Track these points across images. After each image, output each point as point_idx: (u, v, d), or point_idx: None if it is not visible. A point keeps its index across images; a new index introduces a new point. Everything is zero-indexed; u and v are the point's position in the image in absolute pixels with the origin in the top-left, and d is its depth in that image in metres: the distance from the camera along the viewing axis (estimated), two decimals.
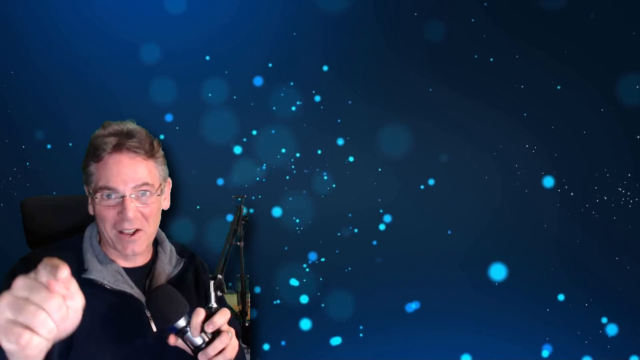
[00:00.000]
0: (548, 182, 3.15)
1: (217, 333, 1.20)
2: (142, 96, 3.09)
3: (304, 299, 3.17)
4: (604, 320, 3.13)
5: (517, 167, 3.15)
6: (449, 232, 3.16)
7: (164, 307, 1.20)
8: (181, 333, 1.19)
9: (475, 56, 3.14)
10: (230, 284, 2.91)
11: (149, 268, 1.45)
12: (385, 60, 3.15)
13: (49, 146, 3.09)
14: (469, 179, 3.16)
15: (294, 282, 3.17)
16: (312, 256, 3.17)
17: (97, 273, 1.36)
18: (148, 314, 1.35)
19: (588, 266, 3.13)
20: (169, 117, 3.11)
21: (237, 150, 3.15)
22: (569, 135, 3.14)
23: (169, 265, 1.46)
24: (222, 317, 1.21)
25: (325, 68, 3.16)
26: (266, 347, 3.16)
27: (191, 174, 3.13)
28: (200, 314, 1.19)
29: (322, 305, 3.18)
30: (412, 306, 3.17)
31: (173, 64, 3.11)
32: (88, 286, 1.33)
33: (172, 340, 1.21)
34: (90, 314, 1.28)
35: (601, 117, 3.12)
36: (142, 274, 1.44)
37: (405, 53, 3.15)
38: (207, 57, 3.13)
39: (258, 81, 3.15)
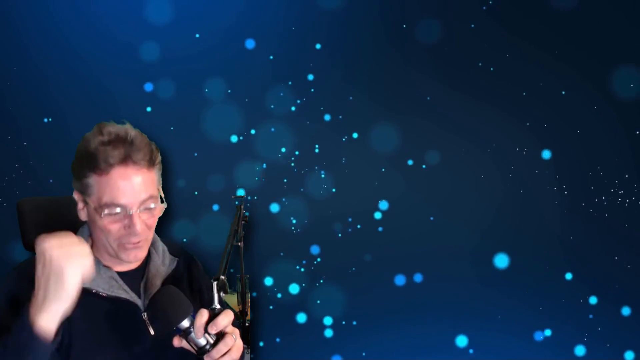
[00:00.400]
0: (545, 181, 3.17)
1: (221, 334, 1.20)
2: (142, 95, 3.10)
3: (300, 297, 3.17)
4: (601, 312, 3.15)
5: (513, 168, 3.17)
6: (431, 218, 3.18)
7: (167, 308, 1.20)
8: (185, 334, 1.19)
9: (473, 55, 3.15)
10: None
11: (143, 270, 1.43)
12: (388, 58, 3.16)
13: (50, 144, 3.07)
14: (466, 176, 3.18)
15: (290, 281, 3.18)
16: (311, 255, 3.18)
17: (91, 281, 1.31)
18: (145, 317, 1.34)
19: (589, 262, 3.16)
20: (164, 116, 3.12)
21: (235, 148, 3.15)
22: (566, 130, 3.16)
23: (162, 266, 1.44)
24: (226, 318, 1.20)
25: (324, 65, 3.16)
26: (261, 344, 3.17)
27: (188, 173, 3.13)
28: (203, 315, 1.19)
29: (318, 301, 3.19)
30: (403, 279, 3.18)
31: (171, 62, 3.11)
32: (82, 295, 1.29)
33: (177, 342, 1.21)
34: (86, 322, 1.29)
35: (597, 112, 3.13)
36: (136, 277, 1.41)
37: (409, 52, 3.16)
38: (197, 35, 3.11)
39: (257, 79, 3.14)
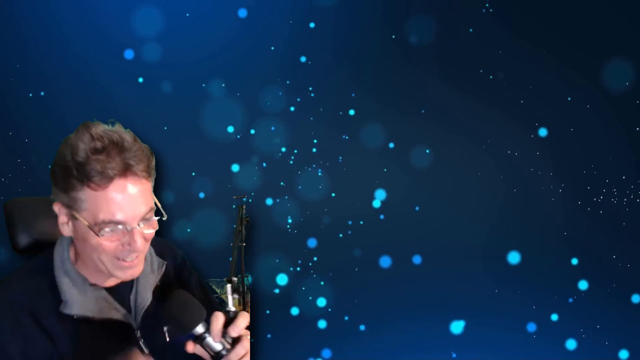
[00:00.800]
0: (541, 178, 3.20)
1: (236, 337, 1.18)
2: (140, 93, 3.08)
3: (293, 294, 3.19)
4: (598, 309, 3.18)
5: (508, 166, 3.20)
6: (417, 208, 3.19)
7: (180, 314, 1.16)
8: (200, 339, 1.16)
9: (471, 55, 3.17)
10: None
11: (131, 282, 1.31)
12: (389, 57, 3.17)
13: (51, 141, 3.04)
14: (462, 173, 3.20)
15: (283, 278, 3.19)
16: (307, 254, 3.19)
17: (79, 306, 1.20)
18: (138, 335, 1.28)
19: (588, 257, 3.19)
20: (160, 113, 3.11)
21: (234, 147, 3.14)
22: (562, 128, 3.19)
23: (151, 273, 1.35)
24: (245, 321, 1.18)
25: (324, 62, 3.17)
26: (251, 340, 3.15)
27: (185, 171, 3.12)
28: (220, 319, 1.16)
29: (310, 297, 3.20)
30: (399, 277, 3.20)
31: (171, 61, 3.09)
32: (69, 321, 1.19)
33: (191, 347, 1.16)
34: (77, 351, 1.19)
35: (592, 109, 3.15)
36: (125, 289, 1.30)
37: (410, 52, 3.17)
38: (187, 14, 3.08)
39: (256, 78, 3.14)
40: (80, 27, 3.04)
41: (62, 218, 1.20)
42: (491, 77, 3.16)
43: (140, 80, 3.08)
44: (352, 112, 3.17)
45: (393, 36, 3.16)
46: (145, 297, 1.31)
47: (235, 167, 3.15)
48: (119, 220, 1.15)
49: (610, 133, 3.17)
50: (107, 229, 1.15)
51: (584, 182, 3.19)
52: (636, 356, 3.15)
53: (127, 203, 1.15)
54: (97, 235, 1.15)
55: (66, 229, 1.20)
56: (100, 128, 1.16)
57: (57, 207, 1.20)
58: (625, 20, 3.12)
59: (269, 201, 3.17)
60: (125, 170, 1.14)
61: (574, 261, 3.18)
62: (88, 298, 1.22)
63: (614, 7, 3.12)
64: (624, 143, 3.17)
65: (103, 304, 1.24)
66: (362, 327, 3.20)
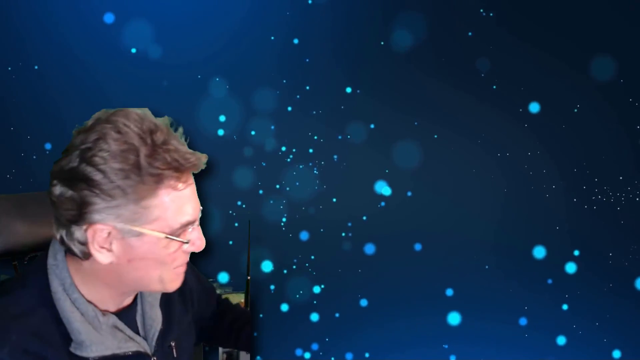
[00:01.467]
0: (539, 178, 3.21)
1: None
2: (138, 90, 3.05)
3: (291, 292, 3.17)
4: (590, 312, 3.19)
5: (505, 167, 3.21)
6: (412, 203, 3.18)
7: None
8: None
9: (469, 55, 3.17)
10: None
11: (134, 300, 1.13)
12: (388, 56, 3.15)
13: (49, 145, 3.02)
14: (462, 173, 3.21)
15: (281, 275, 3.17)
16: (305, 253, 3.17)
17: (97, 346, 1.00)
18: None
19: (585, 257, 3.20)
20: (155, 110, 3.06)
21: (232, 146, 3.11)
22: (559, 126, 3.20)
23: None
24: None
25: (322, 62, 3.15)
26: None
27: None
28: None
29: (299, 296, 3.18)
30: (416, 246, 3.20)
31: (168, 59, 3.06)
32: None
33: None
34: None
35: (589, 106, 3.17)
36: (132, 310, 1.12)
37: (410, 50, 3.15)
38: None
39: (254, 75, 3.11)
40: (80, 26, 3.01)
41: (101, 242, 0.95)
42: (494, 84, 3.18)
43: (133, 54, 3.03)
44: (349, 110, 3.16)
45: (382, 42, 3.15)
46: (154, 316, 1.14)
47: (232, 166, 3.11)
48: (194, 219, 1.00)
49: (608, 132, 3.20)
50: (192, 233, 1.00)
51: (581, 179, 3.22)
52: (630, 356, 3.19)
53: (195, 198, 1.01)
54: (183, 242, 0.98)
55: (106, 256, 0.96)
56: (139, 112, 1.00)
57: (91, 232, 0.94)
58: (624, 19, 3.15)
59: (267, 200, 3.14)
60: (196, 160, 0.98)
61: (572, 255, 3.20)
62: (104, 333, 1.03)
63: (611, 6, 3.15)
64: (623, 142, 3.20)
65: (119, 335, 1.06)
66: (359, 317, 3.20)
